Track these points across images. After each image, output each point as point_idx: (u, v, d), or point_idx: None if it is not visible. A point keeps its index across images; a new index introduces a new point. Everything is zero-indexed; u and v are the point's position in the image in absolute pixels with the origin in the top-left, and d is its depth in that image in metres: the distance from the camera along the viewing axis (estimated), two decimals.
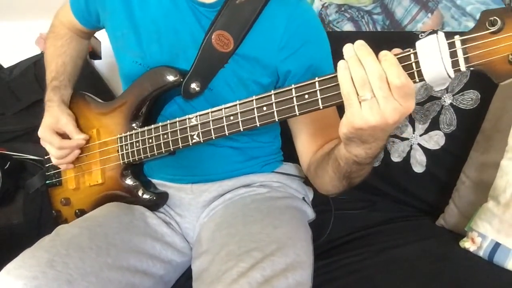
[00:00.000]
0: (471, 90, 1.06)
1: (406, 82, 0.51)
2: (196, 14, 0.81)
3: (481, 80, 1.03)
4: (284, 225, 0.75)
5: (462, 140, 1.06)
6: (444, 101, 1.10)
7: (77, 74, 1.04)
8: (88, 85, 1.66)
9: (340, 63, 0.54)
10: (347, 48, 0.54)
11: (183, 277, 0.88)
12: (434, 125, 1.12)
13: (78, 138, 0.90)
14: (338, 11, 1.55)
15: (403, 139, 1.18)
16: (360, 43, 0.54)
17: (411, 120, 1.16)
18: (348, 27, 1.53)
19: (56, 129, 0.92)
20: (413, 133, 1.15)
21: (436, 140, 1.11)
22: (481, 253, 0.87)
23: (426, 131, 1.13)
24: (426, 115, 1.13)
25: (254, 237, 0.71)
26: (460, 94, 1.08)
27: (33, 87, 1.54)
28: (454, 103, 1.08)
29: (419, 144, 1.14)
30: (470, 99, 1.06)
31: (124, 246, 0.76)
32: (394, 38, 1.30)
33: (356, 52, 0.53)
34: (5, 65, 1.72)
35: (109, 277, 0.70)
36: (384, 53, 0.52)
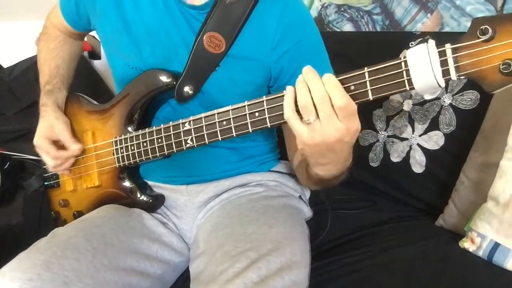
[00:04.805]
0: (471, 91, 1.06)
1: (349, 102, 0.55)
2: (186, 17, 0.80)
3: None
4: (280, 224, 0.75)
5: (461, 140, 1.06)
6: (444, 101, 1.10)
7: (71, 76, 1.03)
8: (88, 85, 1.66)
9: (288, 88, 0.59)
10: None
11: (182, 278, 0.88)
12: (433, 125, 1.12)
13: (74, 149, 0.90)
14: (337, 11, 1.55)
15: (402, 139, 1.18)
16: (307, 68, 0.58)
17: (410, 120, 1.16)
18: (347, 27, 1.53)
19: (51, 137, 0.91)
20: (413, 133, 1.15)
21: (435, 140, 1.11)
22: (480, 253, 0.87)
23: (426, 131, 1.13)
24: (426, 115, 1.13)
25: (249, 237, 0.71)
26: (459, 94, 1.08)
27: (33, 87, 1.53)
28: (454, 103, 1.09)
29: (418, 144, 1.14)
30: (469, 99, 1.06)
31: (121, 246, 0.76)
32: (393, 38, 1.30)
33: (304, 77, 0.57)
34: (5, 65, 1.72)
35: (106, 278, 0.70)
36: (328, 76, 0.56)
